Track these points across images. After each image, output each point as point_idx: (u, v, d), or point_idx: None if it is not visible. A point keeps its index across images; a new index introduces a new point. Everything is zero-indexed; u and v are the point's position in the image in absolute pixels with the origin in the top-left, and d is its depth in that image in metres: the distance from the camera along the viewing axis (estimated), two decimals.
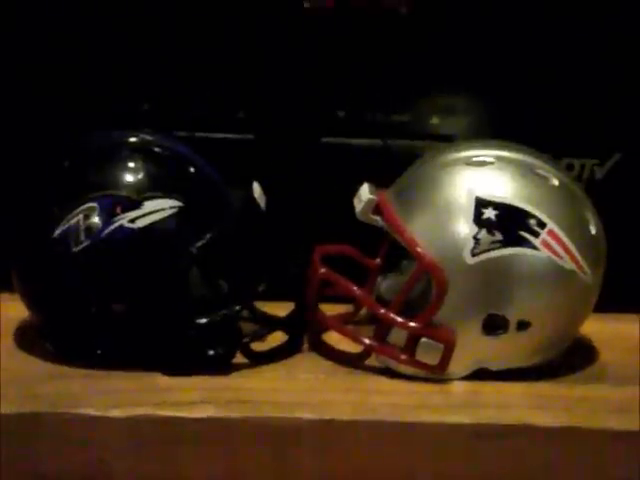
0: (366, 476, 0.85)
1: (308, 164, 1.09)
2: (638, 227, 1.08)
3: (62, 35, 1.06)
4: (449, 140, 1.05)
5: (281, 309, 0.98)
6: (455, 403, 0.89)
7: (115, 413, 0.84)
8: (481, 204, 0.90)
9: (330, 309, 0.99)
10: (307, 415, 0.85)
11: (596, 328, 1.00)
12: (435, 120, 1.09)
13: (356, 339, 0.95)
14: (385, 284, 1.03)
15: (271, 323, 0.98)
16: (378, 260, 1.03)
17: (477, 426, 0.85)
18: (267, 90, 1.08)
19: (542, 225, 0.89)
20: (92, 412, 0.84)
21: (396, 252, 1.00)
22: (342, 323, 0.99)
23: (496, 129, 1.06)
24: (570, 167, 1.07)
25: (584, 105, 1.08)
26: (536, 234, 0.89)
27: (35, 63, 1.06)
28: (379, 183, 0.97)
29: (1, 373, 0.90)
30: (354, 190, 0.97)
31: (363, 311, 1.05)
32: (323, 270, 0.96)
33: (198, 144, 0.98)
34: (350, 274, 0.97)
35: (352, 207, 0.96)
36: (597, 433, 0.85)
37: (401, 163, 0.98)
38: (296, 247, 1.01)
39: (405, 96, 1.08)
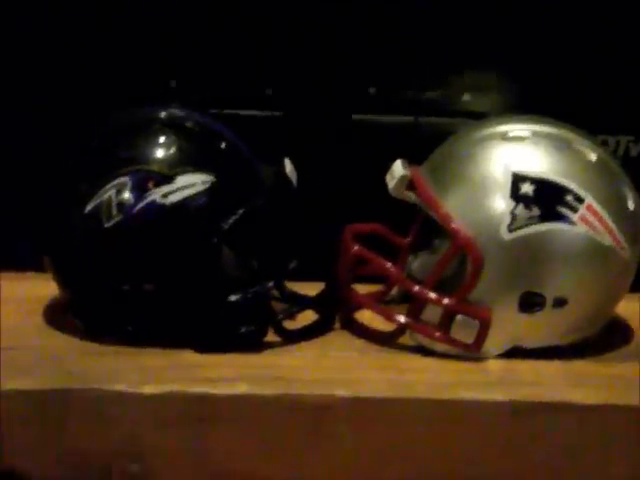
0: (402, 453, 0.84)
1: (339, 141, 1.08)
2: None
3: (93, 13, 1.05)
4: (481, 117, 1.03)
5: (312, 289, 0.97)
6: (491, 381, 0.87)
7: (147, 389, 0.83)
8: (518, 179, 0.88)
9: (361, 289, 0.98)
10: (342, 392, 0.84)
11: (633, 307, 0.99)
12: (467, 97, 1.08)
13: (390, 317, 0.93)
14: (416, 263, 1.02)
15: (302, 302, 0.98)
16: (409, 238, 1.01)
17: (514, 403, 0.84)
18: (297, 67, 1.07)
19: (580, 200, 0.88)
20: (124, 388, 0.83)
21: (427, 230, 0.99)
22: (376, 302, 0.98)
23: (528, 106, 1.04)
24: (605, 144, 1.06)
25: (618, 81, 1.06)
26: (574, 209, 0.88)
27: (66, 42, 1.05)
28: (410, 161, 0.95)
29: (32, 350, 0.89)
30: (385, 168, 0.95)
31: (394, 291, 1.03)
32: (356, 247, 0.95)
33: (226, 121, 0.97)
34: (380, 253, 0.96)
35: (383, 185, 0.95)
36: (634, 410, 0.84)
37: (432, 141, 0.97)
38: (327, 225, 1.00)
39: (436, 73, 1.07)
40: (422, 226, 1.00)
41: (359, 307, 0.98)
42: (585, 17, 1.05)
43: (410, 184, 0.93)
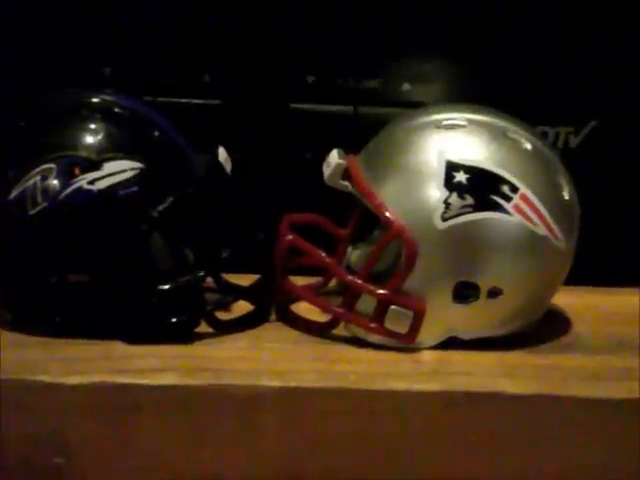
0: (332, 444, 0.83)
1: (276, 130, 1.06)
2: (612, 196, 1.07)
3: None
4: (420, 107, 1.03)
5: (248, 280, 0.96)
6: (424, 371, 0.86)
7: (72, 380, 0.82)
8: (452, 167, 0.87)
9: (301, 281, 0.97)
10: (271, 383, 0.82)
11: (569, 300, 0.99)
12: (406, 86, 1.07)
13: (324, 307, 0.92)
14: (355, 254, 1.01)
15: (236, 292, 0.96)
16: (348, 229, 1.00)
17: (446, 393, 0.83)
18: (235, 54, 1.05)
19: (514, 189, 0.87)
20: (48, 379, 0.81)
21: (366, 221, 0.98)
22: (311, 293, 0.97)
23: (469, 96, 1.03)
24: (544, 135, 1.05)
25: (558, 72, 1.06)
26: (508, 198, 0.87)
27: None
28: (349, 151, 0.94)
29: None
30: (323, 158, 0.94)
31: (333, 282, 1.02)
32: (291, 237, 0.94)
33: (162, 109, 0.95)
34: (320, 245, 0.95)
35: (322, 175, 0.93)
36: (567, 400, 0.83)
37: (371, 130, 0.95)
38: (264, 215, 0.98)
39: (376, 62, 1.06)
40: (360, 217, 0.98)
41: (295, 298, 0.97)
42: (525, 6, 1.04)
43: (346, 173, 0.92)
